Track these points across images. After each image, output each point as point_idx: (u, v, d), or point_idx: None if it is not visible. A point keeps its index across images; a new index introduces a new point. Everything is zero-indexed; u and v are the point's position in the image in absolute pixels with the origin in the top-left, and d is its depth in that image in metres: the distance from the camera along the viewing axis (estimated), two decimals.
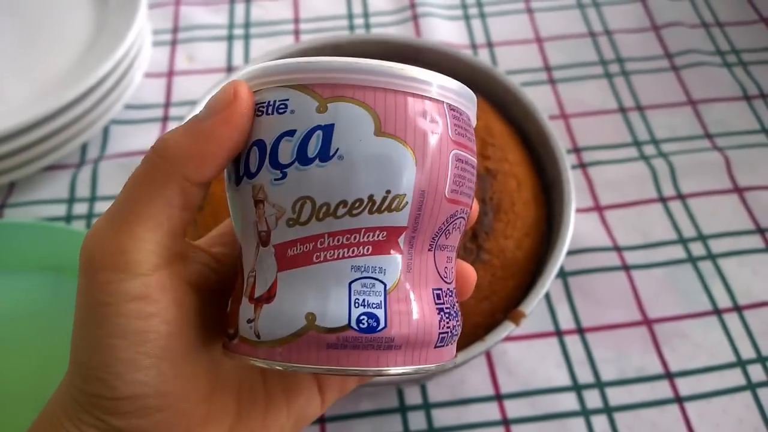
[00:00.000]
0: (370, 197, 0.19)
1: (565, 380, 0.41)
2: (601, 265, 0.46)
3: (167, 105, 0.56)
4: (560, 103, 0.56)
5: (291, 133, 0.19)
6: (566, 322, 0.44)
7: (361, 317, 0.19)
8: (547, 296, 0.45)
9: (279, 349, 0.19)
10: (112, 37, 0.52)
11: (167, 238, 0.20)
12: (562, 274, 0.46)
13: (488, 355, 0.42)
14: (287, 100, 0.19)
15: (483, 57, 0.59)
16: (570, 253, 0.46)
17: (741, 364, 0.42)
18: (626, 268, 0.46)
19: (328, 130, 0.19)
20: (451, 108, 0.20)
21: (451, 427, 0.40)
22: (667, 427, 0.40)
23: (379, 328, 0.19)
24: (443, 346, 0.21)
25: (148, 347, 0.20)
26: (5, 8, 0.56)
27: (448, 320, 0.21)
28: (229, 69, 0.58)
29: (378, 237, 0.19)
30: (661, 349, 0.43)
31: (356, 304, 0.19)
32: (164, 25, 0.61)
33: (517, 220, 0.39)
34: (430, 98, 0.20)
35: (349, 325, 0.19)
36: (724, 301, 0.45)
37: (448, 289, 0.22)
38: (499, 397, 0.41)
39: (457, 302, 0.22)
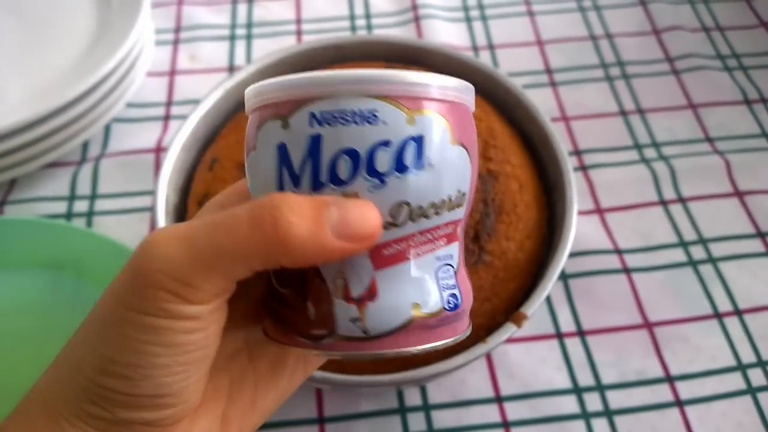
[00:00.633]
0: (449, 197, 0.22)
1: (565, 383, 0.41)
2: (601, 267, 0.46)
3: (169, 104, 0.56)
4: (561, 105, 0.56)
5: (386, 143, 0.20)
6: (567, 324, 0.44)
7: (449, 299, 0.23)
8: (548, 299, 0.45)
9: (388, 339, 0.22)
10: (114, 36, 0.52)
11: (232, 286, 0.21)
12: (563, 277, 0.46)
13: (488, 357, 0.42)
14: (376, 110, 0.20)
15: (484, 59, 0.59)
16: (571, 255, 0.46)
17: (741, 368, 0.42)
18: (627, 271, 0.46)
19: (419, 140, 0.21)
20: (473, 114, 0.24)
21: (450, 429, 0.40)
22: (667, 430, 0.40)
23: (459, 304, 0.23)
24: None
25: (185, 357, 0.20)
26: (8, 6, 0.56)
27: None
28: (231, 69, 0.58)
29: (449, 230, 0.22)
30: (662, 353, 0.43)
31: (443, 288, 0.22)
32: (167, 25, 0.61)
33: (518, 222, 0.39)
34: (470, 108, 0.23)
35: (443, 307, 0.22)
36: (724, 305, 0.45)
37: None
38: (499, 399, 0.41)
39: None
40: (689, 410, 0.40)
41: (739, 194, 0.50)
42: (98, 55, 0.52)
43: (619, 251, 0.47)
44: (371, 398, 0.41)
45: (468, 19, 0.62)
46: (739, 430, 0.40)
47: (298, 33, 0.61)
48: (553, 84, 0.57)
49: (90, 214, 0.49)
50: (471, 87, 0.23)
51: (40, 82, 0.51)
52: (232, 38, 0.61)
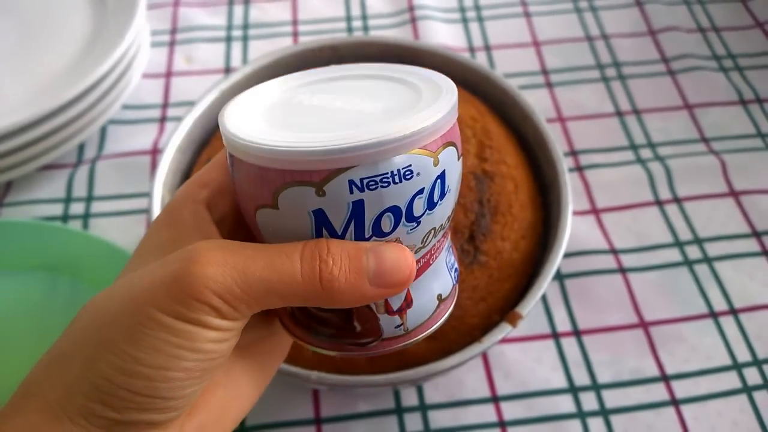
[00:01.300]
0: (454, 208, 0.24)
1: (561, 382, 0.42)
2: (597, 267, 0.46)
3: (165, 105, 0.56)
4: (557, 106, 0.56)
5: (421, 191, 0.21)
6: (563, 324, 0.44)
7: (454, 274, 0.26)
8: (544, 298, 0.45)
9: (421, 328, 0.25)
10: (110, 38, 0.52)
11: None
12: (559, 277, 0.46)
13: (485, 357, 0.42)
14: (411, 165, 0.21)
15: (480, 60, 0.59)
16: (566, 255, 0.46)
17: (737, 367, 0.42)
18: (622, 270, 0.46)
19: (442, 176, 0.22)
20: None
21: (447, 429, 0.40)
22: (663, 429, 0.40)
23: (458, 274, 0.27)
24: None
25: (207, 364, 0.21)
26: (4, 8, 0.56)
27: None
28: (227, 70, 0.58)
29: (449, 229, 0.25)
30: (657, 352, 0.43)
31: (450, 270, 0.26)
32: (163, 26, 0.61)
33: (514, 222, 0.39)
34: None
35: (453, 284, 0.26)
36: (719, 305, 0.45)
37: None
38: (495, 399, 0.41)
39: None
40: (685, 409, 0.40)
41: (734, 194, 0.50)
42: (94, 56, 0.52)
43: (614, 251, 0.47)
44: (368, 398, 0.41)
45: (464, 20, 0.62)
46: (735, 429, 0.40)
47: (295, 34, 0.61)
48: (549, 85, 0.57)
49: (86, 217, 0.49)
50: (453, 85, 0.23)
51: (35, 83, 0.51)
52: (228, 40, 0.61)
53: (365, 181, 0.20)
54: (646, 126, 0.54)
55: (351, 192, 0.20)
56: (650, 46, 0.60)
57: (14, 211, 0.49)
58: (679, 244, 0.48)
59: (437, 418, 0.40)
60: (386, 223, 0.21)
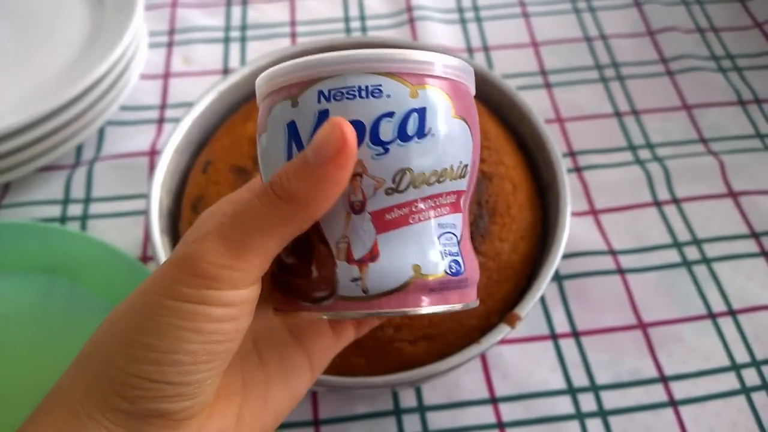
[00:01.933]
0: (451, 167, 0.23)
1: (560, 383, 0.42)
2: (596, 268, 0.46)
3: (163, 107, 0.56)
4: (556, 106, 0.56)
5: (390, 114, 0.22)
6: (561, 325, 0.44)
7: (451, 264, 0.24)
8: (543, 299, 0.45)
9: (386, 299, 0.23)
10: (108, 39, 0.52)
11: (267, 263, 0.22)
12: (558, 278, 0.46)
13: (483, 358, 0.42)
14: (380, 85, 0.22)
15: (479, 60, 0.59)
16: (565, 256, 0.46)
17: (735, 368, 0.42)
18: (621, 271, 0.46)
19: (421, 112, 0.22)
20: (473, 95, 0.25)
21: (446, 430, 0.40)
22: (662, 430, 0.40)
23: (461, 271, 0.24)
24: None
25: (213, 347, 0.21)
26: (1, 9, 0.56)
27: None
28: (226, 71, 0.58)
29: (452, 199, 0.24)
30: (656, 353, 0.43)
31: (444, 254, 0.23)
32: (161, 27, 0.61)
33: (512, 223, 0.39)
34: (470, 88, 0.25)
35: (444, 271, 0.23)
36: (718, 305, 0.45)
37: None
38: (494, 401, 0.41)
39: None
40: (683, 410, 0.40)
41: (733, 195, 0.50)
42: (92, 57, 0.51)
43: (613, 252, 0.47)
44: (366, 400, 0.41)
45: (463, 21, 0.62)
46: (733, 430, 0.40)
47: (293, 35, 0.61)
48: (548, 85, 0.57)
49: (84, 218, 0.49)
50: (471, 69, 0.25)
51: (33, 85, 0.51)
52: (227, 40, 0.61)
53: (332, 92, 0.22)
54: (644, 127, 0.54)
55: (319, 101, 0.22)
56: (649, 47, 0.60)
57: (12, 212, 0.49)
58: (677, 244, 0.48)
59: (436, 420, 0.40)
60: None
